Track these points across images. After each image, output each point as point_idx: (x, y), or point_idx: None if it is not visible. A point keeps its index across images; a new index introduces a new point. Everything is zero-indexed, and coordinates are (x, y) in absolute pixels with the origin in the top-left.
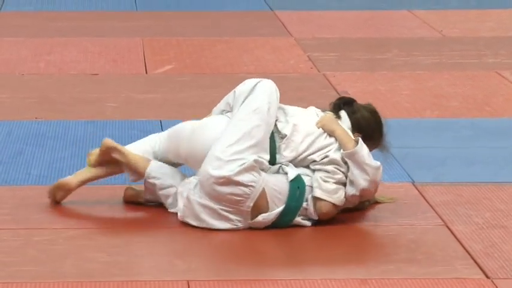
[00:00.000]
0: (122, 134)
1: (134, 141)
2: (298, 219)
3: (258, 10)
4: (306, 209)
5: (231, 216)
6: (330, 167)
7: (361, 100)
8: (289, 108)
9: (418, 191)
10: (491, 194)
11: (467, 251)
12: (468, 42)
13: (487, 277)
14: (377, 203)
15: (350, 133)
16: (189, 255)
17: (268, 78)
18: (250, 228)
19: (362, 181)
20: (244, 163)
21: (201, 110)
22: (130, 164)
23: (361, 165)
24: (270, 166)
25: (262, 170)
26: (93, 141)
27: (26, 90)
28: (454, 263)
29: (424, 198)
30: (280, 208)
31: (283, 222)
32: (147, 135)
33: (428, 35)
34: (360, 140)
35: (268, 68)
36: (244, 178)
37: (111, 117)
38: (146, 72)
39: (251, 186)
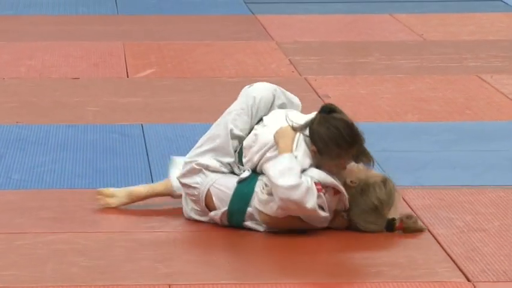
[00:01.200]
0: (103, 138)
1: (115, 145)
2: (249, 223)
3: (239, 14)
4: (252, 213)
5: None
6: (266, 178)
7: (342, 104)
8: (269, 116)
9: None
10: (472, 197)
11: (448, 255)
12: (449, 45)
13: (468, 280)
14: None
15: (299, 146)
16: (170, 259)
17: (249, 82)
18: (234, 233)
19: (275, 198)
20: (191, 166)
21: (183, 114)
22: (152, 195)
23: (270, 181)
24: (241, 168)
25: (219, 171)
26: (75, 146)
27: (6, 94)
28: (435, 267)
29: (406, 201)
30: (223, 209)
31: (235, 223)
32: (128, 139)
33: (410, 39)
34: (286, 156)
35: (249, 72)
36: (188, 180)
37: (92, 121)
38: (127, 76)
39: (195, 187)
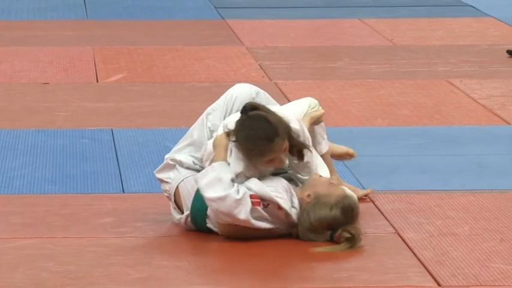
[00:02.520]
0: (72, 143)
1: (85, 150)
2: (211, 226)
3: (209, 19)
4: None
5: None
6: None
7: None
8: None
9: (370, 198)
10: (442, 201)
11: (418, 259)
12: (418, 50)
13: (439, 285)
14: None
15: (233, 152)
16: (141, 264)
17: (219, 87)
18: (204, 237)
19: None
20: (166, 161)
21: (153, 119)
22: None
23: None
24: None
25: (193, 169)
26: (44, 151)
27: None
28: (405, 271)
29: (376, 206)
30: (187, 212)
31: (200, 227)
32: (98, 144)
33: (379, 44)
34: (215, 166)
35: (219, 77)
36: (163, 175)
37: (62, 126)
38: (97, 81)
39: (167, 182)
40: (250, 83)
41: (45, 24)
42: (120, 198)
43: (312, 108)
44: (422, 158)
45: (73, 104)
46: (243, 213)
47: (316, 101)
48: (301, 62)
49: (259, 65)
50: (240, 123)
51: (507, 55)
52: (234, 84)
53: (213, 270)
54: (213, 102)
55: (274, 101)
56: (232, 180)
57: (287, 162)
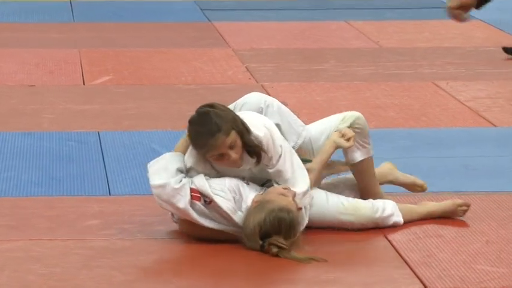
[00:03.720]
0: (59, 145)
1: (71, 152)
2: None
3: (195, 21)
4: None
5: None
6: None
7: (298, 111)
8: None
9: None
10: None
11: (405, 261)
12: (404, 52)
13: (425, 286)
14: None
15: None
16: (126, 267)
17: (206, 89)
18: (190, 240)
19: None
20: None
21: (139, 121)
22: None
23: None
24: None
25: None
26: (30, 153)
27: None
28: (392, 273)
29: None
30: None
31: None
32: (84, 147)
33: (365, 46)
34: (166, 156)
35: (206, 79)
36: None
37: (48, 129)
38: (84, 84)
39: None
40: (237, 86)
41: (31, 26)
42: (106, 200)
43: (344, 122)
44: (408, 160)
45: (59, 107)
46: (182, 202)
47: (356, 115)
48: (288, 64)
49: (246, 67)
50: (190, 120)
51: (508, 55)
52: (220, 86)
53: (199, 273)
54: (200, 104)
55: (290, 113)
56: (181, 172)
57: (241, 162)
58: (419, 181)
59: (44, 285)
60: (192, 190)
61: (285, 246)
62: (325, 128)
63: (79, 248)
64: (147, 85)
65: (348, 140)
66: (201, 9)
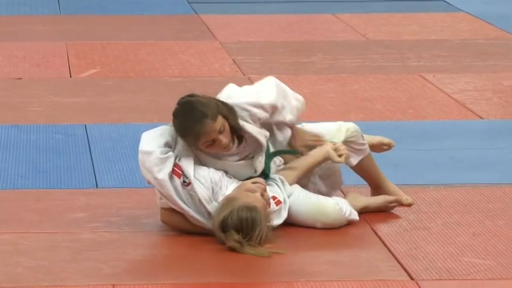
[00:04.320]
0: (46, 138)
1: (58, 145)
2: None
3: (182, 14)
4: None
5: None
6: None
7: None
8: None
9: (343, 193)
10: (415, 196)
11: (391, 253)
12: (392, 45)
13: (412, 279)
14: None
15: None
16: (114, 260)
17: (193, 81)
18: (178, 232)
19: None
20: None
21: (126, 114)
22: None
23: None
24: None
25: None
26: (17, 146)
27: None
28: (378, 265)
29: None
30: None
31: None
32: (71, 140)
33: (353, 39)
34: (163, 127)
35: (193, 72)
36: None
37: (35, 122)
38: (70, 76)
39: None
40: (224, 78)
41: (18, 19)
42: (93, 193)
43: (340, 132)
44: (395, 153)
45: (46, 99)
46: (162, 173)
47: (352, 127)
48: (275, 57)
49: (233, 60)
50: (174, 113)
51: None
52: (207, 79)
53: (187, 265)
54: None
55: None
56: (170, 146)
57: (231, 146)
58: (386, 140)
59: (31, 278)
60: (176, 165)
61: (235, 244)
62: (320, 132)
63: (66, 240)
64: (134, 78)
65: (340, 156)
66: (188, 2)
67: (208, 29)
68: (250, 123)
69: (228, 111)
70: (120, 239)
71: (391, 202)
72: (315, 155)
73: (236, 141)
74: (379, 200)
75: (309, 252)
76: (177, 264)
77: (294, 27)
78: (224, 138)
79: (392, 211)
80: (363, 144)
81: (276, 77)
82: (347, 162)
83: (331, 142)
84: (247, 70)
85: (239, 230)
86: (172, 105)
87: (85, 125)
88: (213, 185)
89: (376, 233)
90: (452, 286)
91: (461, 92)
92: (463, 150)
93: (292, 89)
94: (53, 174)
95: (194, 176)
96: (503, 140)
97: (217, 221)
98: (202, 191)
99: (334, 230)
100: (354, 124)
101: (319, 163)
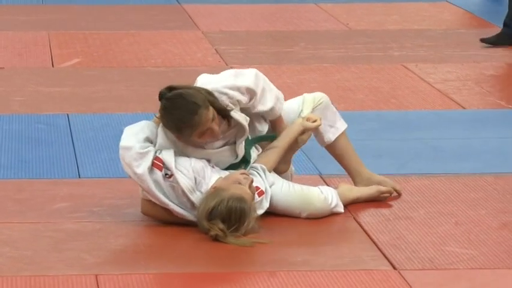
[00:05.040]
0: (28, 128)
1: (41, 135)
2: None
3: (165, 4)
4: None
5: None
6: None
7: None
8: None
9: (326, 182)
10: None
11: (374, 243)
12: (374, 35)
13: (394, 268)
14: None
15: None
16: (97, 249)
17: (176, 71)
18: (158, 225)
19: None
20: None
21: (109, 104)
22: None
23: None
24: None
25: None
26: (0, 136)
27: None
28: (361, 255)
29: None
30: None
31: None
32: (54, 129)
33: (335, 28)
34: (143, 122)
35: (176, 62)
36: None
37: (17, 111)
38: (52, 66)
39: None
40: (206, 68)
41: None
42: (76, 183)
43: (306, 104)
44: (377, 142)
45: (28, 89)
46: (141, 168)
47: (315, 94)
48: (257, 47)
49: (215, 49)
50: (163, 108)
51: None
52: (190, 69)
53: (170, 255)
54: None
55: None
56: (150, 142)
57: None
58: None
59: (14, 267)
60: (156, 158)
61: (219, 232)
62: (287, 113)
63: (49, 230)
64: (116, 68)
65: (314, 121)
66: None
67: (191, 18)
68: (231, 107)
69: (214, 98)
70: (102, 228)
71: (383, 192)
72: (290, 130)
73: (225, 125)
74: (372, 190)
75: (292, 242)
76: (160, 253)
77: (276, 16)
78: (215, 126)
79: (375, 201)
80: (335, 121)
81: (259, 67)
82: (325, 140)
83: (301, 117)
84: (229, 60)
85: (225, 220)
86: (155, 94)
87: (67, 115)
88: (195, 175)
89: (358, 223)
90: (435, 275)
91: (444, 82)
92: (445, 140)
93: (274, 79)
94: (35, 164)
95: (176, 167)
96: (486, 130)
97: (204, 209)
98: (184, 181)
99: (317, 220)
100: (319, 92)
101: (296, 137)
